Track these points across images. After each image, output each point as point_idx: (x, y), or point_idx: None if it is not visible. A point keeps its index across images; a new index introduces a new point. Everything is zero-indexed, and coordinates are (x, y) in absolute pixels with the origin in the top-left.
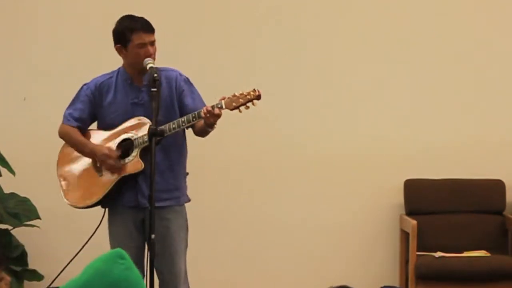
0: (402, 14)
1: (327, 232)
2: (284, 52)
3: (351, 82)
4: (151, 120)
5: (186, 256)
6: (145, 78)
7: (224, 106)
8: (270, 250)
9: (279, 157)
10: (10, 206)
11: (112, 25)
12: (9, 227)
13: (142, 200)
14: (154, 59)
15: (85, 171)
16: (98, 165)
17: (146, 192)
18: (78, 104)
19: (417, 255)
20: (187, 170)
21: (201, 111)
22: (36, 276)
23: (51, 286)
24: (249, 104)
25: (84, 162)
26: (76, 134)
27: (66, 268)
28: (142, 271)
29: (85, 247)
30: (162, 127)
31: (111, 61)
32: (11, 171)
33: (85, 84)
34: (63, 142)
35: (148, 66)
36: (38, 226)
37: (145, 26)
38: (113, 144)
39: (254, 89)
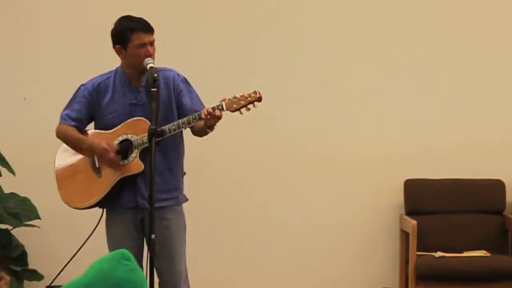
0: (402, 14)
1: (327, 232)
2: (284, 52)
3: (351, 82)
4: (149, 121)
5: (185, 256)
6: (143, 79)
7: (225, 108)
8: (270, 250)
9: (279, 157)
10: (10, 206)
11: (112, 25)
12: (9, 227)
13: (141, 201)
14: (153, 58)
15: (83, 172)
16: (97, 166)
17: (145, 193)
18: (76, 104)
19: (417, 255)
20: (186, 170)
21: (201, 112)
22: (36, 276)
23: (51, 286)
24: (250, 106)
25: (82, 163)
26: (73, 132)
27: (66, 268)
28: None
29: (85, 247)
30: (162, 127)
31: (111, 61)
32: (11, 171)
33: (82, 85)
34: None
35: (148, 66)
36: (38, 226)
37: (145, 26)
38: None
39: (255, 91)
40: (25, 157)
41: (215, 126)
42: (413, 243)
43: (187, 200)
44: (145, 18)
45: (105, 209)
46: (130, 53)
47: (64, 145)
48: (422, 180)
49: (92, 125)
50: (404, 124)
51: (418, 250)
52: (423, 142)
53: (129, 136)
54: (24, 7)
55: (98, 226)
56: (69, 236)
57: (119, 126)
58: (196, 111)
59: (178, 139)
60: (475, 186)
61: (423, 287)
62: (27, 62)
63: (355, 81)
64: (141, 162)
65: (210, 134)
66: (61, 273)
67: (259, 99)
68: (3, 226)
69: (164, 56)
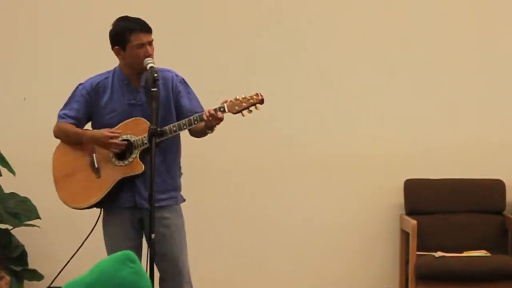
0: (402, 14)
1: (327, 232)
2: (284, 52)
3: (351, 82)
4: (148, 121)
5: (187, 255)
6: (142, 79)
7: (226, 110)
8: (270, 250)
9: (279, 157)
10: (10, 206)
11: (110, 26)
12: (9, 227)
13: (140, 201)
14: (152, 59)
15: (82, 172)
16: (96, 166)
17: (144, 193)
18: (74, 104)
19: (417, 255)
20: (186, 170)
21: (203, 113)
22: (36, 276)
23: (51, 286)
24: (252, 108)
25: (81, 163)
26: (72, 127)
27: (66, 268)
28: None
29: (85, 246)
30: (162, 128)
31: (111, 61)
32: (11, 171)
33: (80, 84)
34: None
35: (148, 66)
36: (38, 226)
37: (143, 27)
38: None
39: (257, 93)
40: (25, 157)
41: (215, 128)
42: (413, 243)
43: (184, 200)
44: (145, 18)
45: (102, 209)
46: (129, 54)
47: (61, 145)
48: (422, 180)
49: (88, 125)
50: (404, 124)
51: (418, 250)
52: (423, 142)
53: (129, 137)
54: (24, 7)
55: (97, 226)
56: (69, 236)
57: (118, 126)
58: (195, 112)
59: (176, 140)
60: (475, 186)
61: (423, 287)
62: (27, 62)
63: (355, 81)
64: (141, 163)
65: (210, 134)
66: (61, 273)
67: (261, 102)
68: (3, 226)
69: (164, 56)
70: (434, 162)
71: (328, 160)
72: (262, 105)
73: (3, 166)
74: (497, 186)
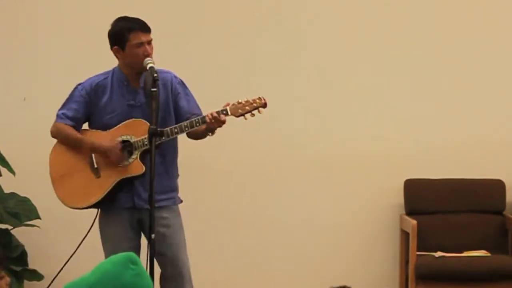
0: (402, 14)
1: (327, 232)
2: (284, 52)
3: (351, 82)
4: (148, 122)
5: (187, 255)
6: (142, 80)
7: (229, 113)
8: (270, 250)
9: (279, 157)
10: (10, 206)
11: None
12: (9, 227)
13: (138, 202)
14: (151, 58)
15: (81, 172)
16: (95, 166)
17: (143, 194)
18: (73, 104)
19: (417, 255)
20: (186, 170)
21: (205, 116)
22: (36, 276)
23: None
24: (255, 111)
25: (79, 163)
26: (72, 131)
27: (66, 268)
28: None
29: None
30: (162, 129)
31: (111, 61)
32: (11, 171)
33: (79, 84)
34: None
35: (148, 66)
36: (38, 226)
37: (142, 26)
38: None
39: (260, 97)
40: (25, 157)
41: (215, 130)
42: (413, 243)
43: (181, 201)
44: (144, 18)
45: (100, 210)
46: (128, 53)
47: (58, 145)
48: (422, 180)
49: (85, 125)
50: (404, 124)
51: (418, 250)
52: (423, 142)
53: (129, 137)
54: (24, 7)
55: (94, 225)
56: (69, 236)
57: (117, 127)
58: (193, 114)
59: (174, 141)
60: (475, 186)
61: (423, 287)
62: (27, 62)
63: (355, 81)
64: (142, 164)
65: (209, 136)
66: (61, 273)
67: (264, 105)
68: (3, 226)
69: (164, 56)
70: (434, 162)
71: (328, 160)
72: (265, 108)
73: (3, 166)
74: (497, 186)
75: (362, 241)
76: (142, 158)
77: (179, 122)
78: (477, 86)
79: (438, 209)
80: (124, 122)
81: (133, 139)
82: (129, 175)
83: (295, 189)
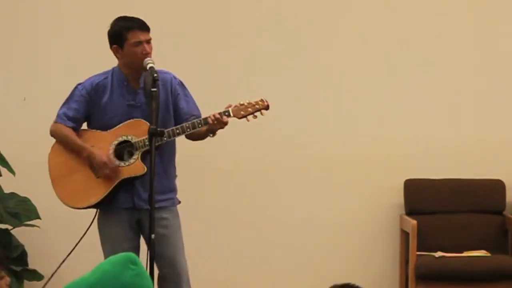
0: (402, 14)
1: (327, 232)
2: (284, 52)
3: (351, 82)
4: (148, 123)
5: (185, 256)
6: (141, 80)
7: (232, 114)
8: (270, 250)
9: (279, 157)
10: (10, 206)
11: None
12: (9, 227)
13: (138, 202)
14: (150, 57)
15: (81, 172)
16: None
17: (142, 194)
18: (73, 103)
19: (417, 255)
20: (186, 171)
21: (207, 117)
22: (36, 276)
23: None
24: (257, 113)
25: (79, 162)
26: (73, 136)
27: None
28: None
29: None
30: (163, 129)
31: (111, 61)
32: (11, 171)
33: (79, 84)
34: None
35: (148, 66)
36: (38, 226)
37: (140, 25)
38: (110, 146)
39: (262, 99)
40: (25, 157)
41: (217, 131)
42: (413, 243)
43: (179, 202)
44: (144, 18)
45: (99, 210)
46: (127, 52)
47: (57, 145)
48: (422, 180)
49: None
50: (404, 124)
51: (418, 250)
52: (423, 142)
53: (129, 138)
54: (24, 7)
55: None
56: (69, 236)
57: (117, 127)
58: (192, 115)
59: (173, 142)
60: (475, 186)
61: (423, 287)
62: (27, 62)
63: (355, 81)
64: (143, 164)
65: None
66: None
67: (267, 108)
68: (3, 226)
69: (164, 56)
70: (434, 162)
71: (328, 160)
72: (267, 111)
73: (3, 166)
74: (497, 186)
75: (362, 241)
76: (143, 158)
77: (178, 123)
78: (477, 86)
79: (438, 209)
80: (125, 122)
81: (133, 140)
82: (130, 175)
83: (295, 189)
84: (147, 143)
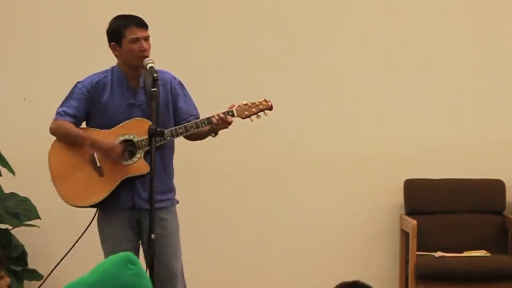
0: (402, 14)
1: (327, 232)
2: (284, 52)
3: (351, 82)
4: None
5: (181, 256)
6: (141, 80)
7: (236, 114)
8: (270, 250)
9: (279, 157)
10: (10, 206)
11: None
12: (9, 227)
13: (138, 201)
14: (149, 54)
15: (83, 170)
16: (98, 165)
17: (143, 194)
18: (73, 101)
19: (417, 255)
20: (185, 171)
21: (211, 116)
22: (36, 276)
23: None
24: (261, 113)
25: (80, 161)
26: (74, 128)
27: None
28: None
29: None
30: (167, 130)
31: (111, 61)
32: (11, 171)
33: (79, 82)
34: None
35: (148, 66)
36: (38, 226)
37: (138, 22)
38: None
39: (265, 100)
40: (25, 157)
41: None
42: (413, 243)
43: (178, 202)
44: (145, 18)
45: (98, 210)
46: (124, 49)
47: (57, 143)
48: (422, 180)
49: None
50: (404, 124)
51: (418, 250)
52: (423, 142)
53: (131, 137)
54: (24, 7)
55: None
56: (69, 236)
57: (119, 125)
58: (191, 115)
59: (172, 141)
60: (475, 186)
61: (423, 287)
62: (27, 62)
63: (355, 81)
64: (146, 163)
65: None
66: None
67: (270, 108)
68: (3, 226)
69: (164, 56)
70: (434, 162)
71: (328, 160)
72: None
73: (3, 166)
74: (497, 186)
75: (362, 241)
76: (144, 157)
77: (176, 123)
78: (477, 86)
79: (438, 209)
80: (126, 121)
81: (135, 139)
82: (134, 174)
83: (295, 189)
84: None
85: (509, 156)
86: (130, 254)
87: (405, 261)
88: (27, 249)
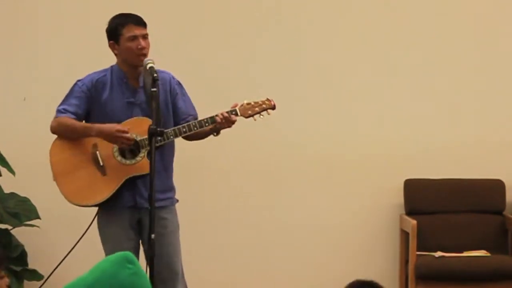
0: (402, 14)
1: (327, 232)
2: (284, 52)
3: (351, 82)
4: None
5: (181, 255)
6: (141, 80)
7: (239, 113)
8: (270, 250)
9: (279, 157)
10: (10, 206)
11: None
12: (9, 227)
13: (140, 201)
14: (147, 53)
15: (85, 169)
16: (101, 164)
17: (144, 193)
18: (73, 99)
19: (417, 255)
20: (186, 171)
21: (215, 116)
22: (36, 276)
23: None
24: (264, 113)
25: (82, 160)
26: (75, 121)
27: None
28: None
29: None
30: (170, 130)
31: (111, 61)
32: (11, 171)
33: (79, 81)
34: None
35: (148, 66)
36: (38, 226)
37: (136, 20)
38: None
39: (268, 99)
40: (25, 157)
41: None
42: (413, 243)
43: (177, 201)
44: (145, 18)
45: (99, 210)
46: (123, 47)
47: (58, 142)
48: (422, 180)
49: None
50: (404, 124)
51: (418, 250)
52: (423, 142)
53: (134, 135)
54: (24, 7)
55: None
56: (69, 236)
57: (121, 124)
58: (190, 115)
59: (173, 140)
60: (475, 186)
61: (423, 287)
62: (27, 62)
63: (355, 81)
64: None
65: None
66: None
67: (273, 107)
68: (3, 226)
69: (164, 56)
70: (434, 162)
71: (328, 160)
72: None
73: (3, 166)
74: (497, 186)
75: (362, 241)
76: (147, 156)
77: (175, 123)
78: (477, 86)
79: (438, 209)
80: (128, 120)
81: (138, 137)
82: (138, 174)
83: (295, 189)
84: None
85: (509, 156)
86: (128, 253)
87: (405, 261)
88: (27, 249)
